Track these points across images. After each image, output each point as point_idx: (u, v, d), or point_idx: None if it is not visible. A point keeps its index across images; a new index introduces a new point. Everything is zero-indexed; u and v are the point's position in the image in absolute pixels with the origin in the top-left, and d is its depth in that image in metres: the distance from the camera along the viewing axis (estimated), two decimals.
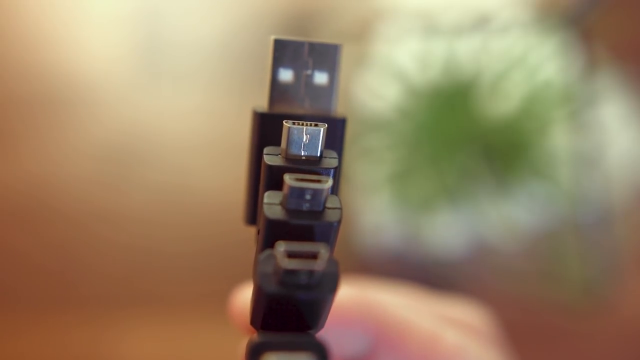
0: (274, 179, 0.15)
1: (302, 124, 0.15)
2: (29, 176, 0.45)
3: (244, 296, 0.21)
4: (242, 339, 0.22)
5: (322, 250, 0.14)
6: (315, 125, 0.16)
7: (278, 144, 0.16)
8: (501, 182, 0.43)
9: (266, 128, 0.17)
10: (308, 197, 0.15)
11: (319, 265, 0.14)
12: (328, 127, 0.16)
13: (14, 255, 0.43)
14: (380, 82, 0.44)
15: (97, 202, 0.45)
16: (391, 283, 0.23)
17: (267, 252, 0.15)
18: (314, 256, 0.14)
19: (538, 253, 0.45)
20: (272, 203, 0.15)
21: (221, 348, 0.39)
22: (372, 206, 0.44)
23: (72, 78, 0.49)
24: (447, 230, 0.44)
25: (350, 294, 0.20)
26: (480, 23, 0.43)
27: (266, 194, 0.15)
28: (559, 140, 0.43)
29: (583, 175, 0.43)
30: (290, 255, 0.14)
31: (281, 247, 0.14)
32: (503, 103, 0.43)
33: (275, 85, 0.17)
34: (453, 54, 0.43)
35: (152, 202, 0.45)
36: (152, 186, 0.46)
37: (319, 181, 0.15)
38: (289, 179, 0.15)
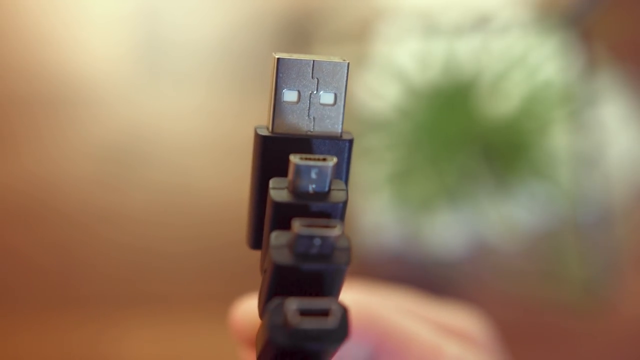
0: (281, 215, 0.15)
1: (310, 159, 0.15)
2: (29, 176, 0.45)
3: (244, 309, 0.21)
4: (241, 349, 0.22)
5: (334, 306, 0.14)
6: (324, 159, 0.15)
7: (282, 166, 0.16)
8: (501, 182, 0.43)
9: (269, 150, 0.16)
10: (317, 242, 0.15)
11: (331, 323, 0.14)
12: (335, 147, 0.16)
13: (14, 255, 0.43)
14: (380, 82, 0.44)
15: (97, 202, 0.45)
16: (391, 287, 0.23)
17: (276, 301, 0.15)
18: (325, 313, 0.14)
19: (538, 253, 0.45)
20: (279, 246, 0.15)
21: (221, 348, 0.39)
22: (372, 206, 0.44)
23: (72, 78, 0.49)
24: (447, 230, 0.44)
25: (352, 304, 0.20)
26: (480, 23, 0.43)
27: (273, 235, 0.15)
28: (559, 140, 0.43)
29: (583, 175, 0.43)
30: (302, 313, 0.14)
31: (292, 305, 0.14)
32: (503, 103, 0.43)
33: (278, 106, 0.16)
34: (453, 54, 0.43)
35: (152, 202, 0.45)
36: (152, 186, 0.46)
37: (327, 227, 0.14)
38: (298, 226, 0.14)
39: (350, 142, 0.16)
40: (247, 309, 0.21)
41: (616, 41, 0.49)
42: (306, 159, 0.15)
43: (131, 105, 0.49)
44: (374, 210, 0.44)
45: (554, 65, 0.43)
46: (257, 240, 0.17)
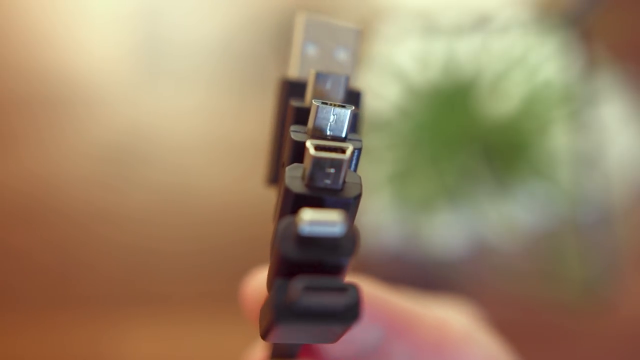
0: (299, 155, 0.16)
1: (330, 105, 0.16)
2: (29, 176, 0.45)
3: (256, 282, 0.20)
4: (254, 338, 0.22)
5: (341, 217, 0.15)
6: (343, 106, 0.16)
7: None
8: (501, 182, 0.43)
9: (293, 95, 0.18)
10: (330, 170, 0.15)
11: (339, 217, 0.15)
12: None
13: (14, 255, 0.43)
14: (380, 82, 0.44)
15: (97, 202, 0.45)
16: (381, 284, 0.23)
17: (287, 220, 0.15)
18: (334, 223, 0.15)
19: (538, 253, 0.45)
20: (294, 177, 0.16)
21: (221, 348, 0.39)
22: (372, 206, 0.44)
23: (72, 78, 0.49)
24: (447, 230, 0.44)
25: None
26: (480, 23, 0.43)
27: (288, 167, 0.16)
28: (559, 140, 0.43)
29: (583, 175, 0.43)
30: (313, 224, 0.15)
31: (307, 215, 0.15)
32: (503, 103, 0.43)
33: (302, 57, 0.19)
34: (453, 54, 0.43)
35: (152, 202, 0.45)
36: (152, 186, 0.46)
37: (340, 151, 0.16)
38: (311, 146, 0.15)
39: (359, 94, 0.19)
40: (260, 282, 0.19)
41: (616, 41, 0.49)
42: (326, 104, 0.17)
43: (131, 105, 0.49)
44: (374, 210, 0.44)
45: (554, 65, 0.43)
46: (274, 176, 0.19)
